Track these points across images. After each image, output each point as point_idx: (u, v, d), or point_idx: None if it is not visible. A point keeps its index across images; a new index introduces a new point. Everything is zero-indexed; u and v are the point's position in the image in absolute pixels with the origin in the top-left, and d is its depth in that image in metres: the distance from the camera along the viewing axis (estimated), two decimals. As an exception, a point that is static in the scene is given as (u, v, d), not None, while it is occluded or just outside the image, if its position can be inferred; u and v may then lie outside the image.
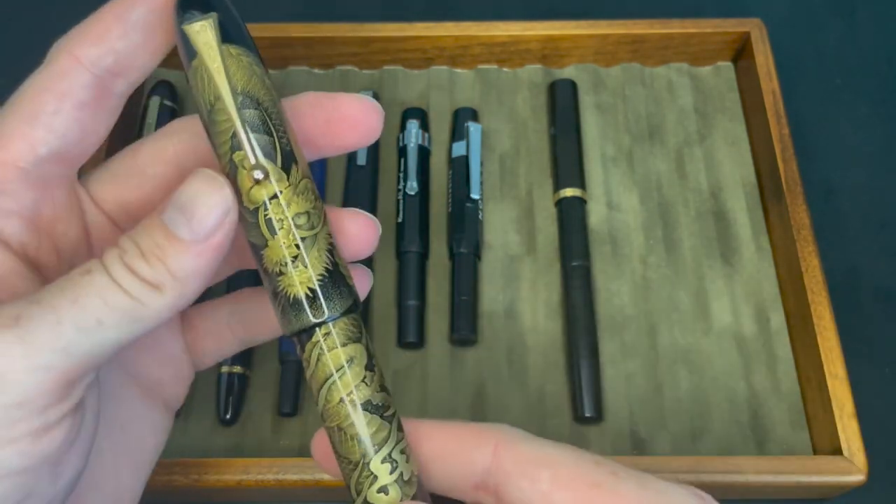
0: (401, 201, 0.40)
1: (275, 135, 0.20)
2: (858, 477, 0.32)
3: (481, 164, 0.41)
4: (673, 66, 0.45)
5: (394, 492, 0.21)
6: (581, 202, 0.40)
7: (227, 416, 0.35)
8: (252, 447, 0.35)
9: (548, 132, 0.43)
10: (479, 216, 0.40)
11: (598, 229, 0.40)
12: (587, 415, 0.35)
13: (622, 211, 0.41)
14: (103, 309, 0.19)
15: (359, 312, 0.22)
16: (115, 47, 0.21)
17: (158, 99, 0.42)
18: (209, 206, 0.19)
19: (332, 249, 0.21)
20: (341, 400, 0.20)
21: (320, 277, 0.20)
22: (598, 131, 0.43)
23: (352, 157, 0.41)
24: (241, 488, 0.32)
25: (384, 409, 0.21)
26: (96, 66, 0.21)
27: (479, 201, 0.40)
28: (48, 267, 0.22)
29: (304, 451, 0.35)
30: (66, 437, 0.19)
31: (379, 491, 0.20)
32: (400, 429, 0.21)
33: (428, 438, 0.22)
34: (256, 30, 0.43)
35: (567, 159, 0.41)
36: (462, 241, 0.39)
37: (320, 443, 0.22)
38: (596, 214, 0.41)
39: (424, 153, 0.41)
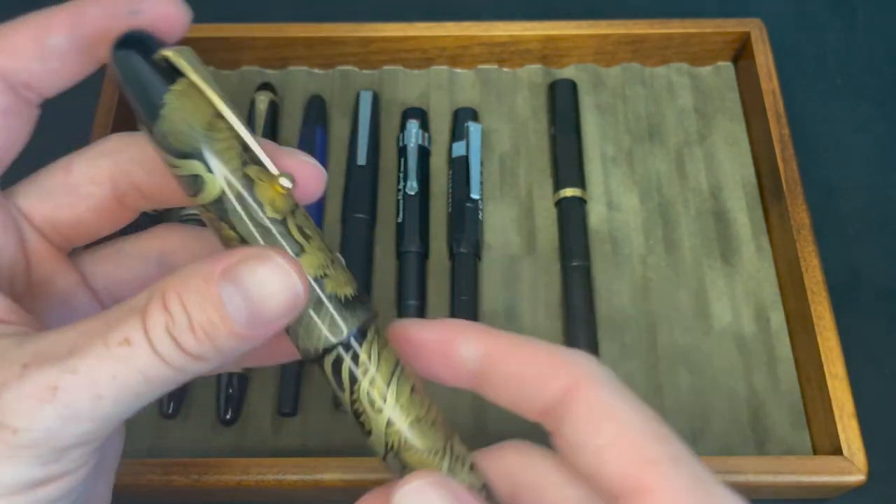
0: (401, 201, 0.40)
1: (258, 152, 0.20)
2: (858, 477, 0.32)
3: (481, 164, 0.41)
4: (673, 66, 0.45)
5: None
6: (581, 202, 0.40)
7: (227, 416, 0.35)
8: (252, 447, 0.35)
9: (548, 132, 0.43)
10: (479, 216, 0.40)
11: (598, 229, 0.40)
12: (587, 415, 0.35)
13: (622, 211, 0.41)
14: (142, 383, 0.18)
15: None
16: (29, 66, 0.21)
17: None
18: (276, 303, 0.18)
19: (335, 258, 0.21)
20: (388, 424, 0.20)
21: (355, 278, 0.20)
22: (598, 131, 0.43)
23: (352, 156, 0.41)
24: (241, 488, 0.32)
25: (432, 425, 0.21)
26: (10, 78, 0.21)
27: (479, 201, 0.40)
28: None
29: (304, 451, 0.35)
30: (90, 469, 0.19)
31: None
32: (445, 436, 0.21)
33: (507, 358, 0.21)
34: (256, 30, 0.43)
35: (567, 159, 0.41)
36: (462, 241, 0.39)
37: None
38: (596, 214, 0.41)
39: (424, 153, 0.41)
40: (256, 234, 0.20)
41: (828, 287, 0.36)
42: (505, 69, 0.45)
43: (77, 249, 0.24)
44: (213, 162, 0.19)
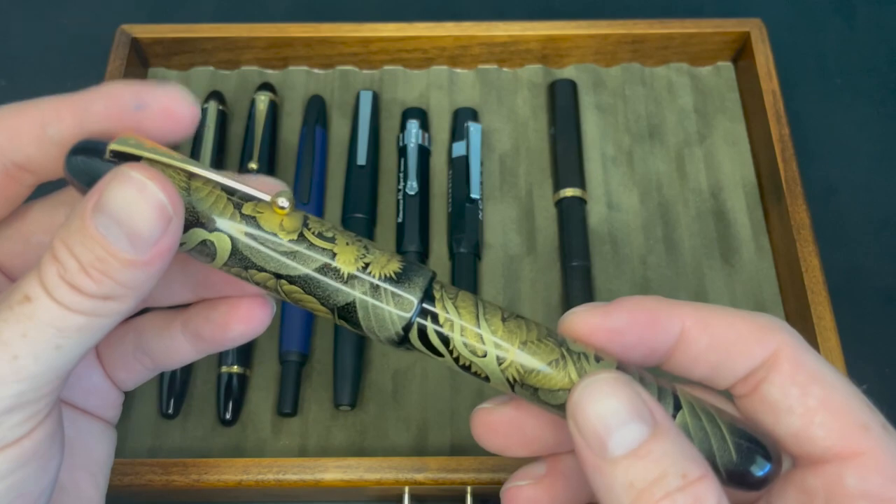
0: (401, 201, 0.40)
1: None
2: (858, 477, 0.32)
3: (481, 164, 0.41)
4: (673, 66, 0.45)
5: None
6: (581, 202, 0.40)
7: (227, 416, 0.35)
8: (252, 447, 0.35)
9: (548, 132, 0.43)
10: (479, 216, 0.40)
11: (598, 229, 0.40)
12: (587, 415, 0.35)
13: (622, 211, 0.41)
14: (59, 335, 0.18)
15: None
16: (27, 150, 0.21)
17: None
18: (148, 219, 0.18)
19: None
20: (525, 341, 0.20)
21: (400, 256, 0.20)
22: (598, 131, 0.43)
23: (352, 156, 0.41)
24: (241, 488, 0.32)
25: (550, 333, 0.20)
26: (5, 157, 0.21)
27: (479, 201, 0.40)
28: None
29: (304, 451, 0.35)
30: (48, 432, 0.19)
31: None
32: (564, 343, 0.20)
33: (706, 328, 0.21)
34: (257, 30, 0.43)
35: (567, 159, 0.41)
36: (462, 241, 0.39)
37: (483, 421, 0.22)
38: (596, 214, 0.41)
39: (424, 153, 0.41)
40: (286, 261, 0.20)
41: (828, 287, 0.36)
42: (505, 69, 0.45)
43: None
44: (210, 220, 0.19)
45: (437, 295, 0.20)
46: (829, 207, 0.43)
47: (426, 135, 0.42)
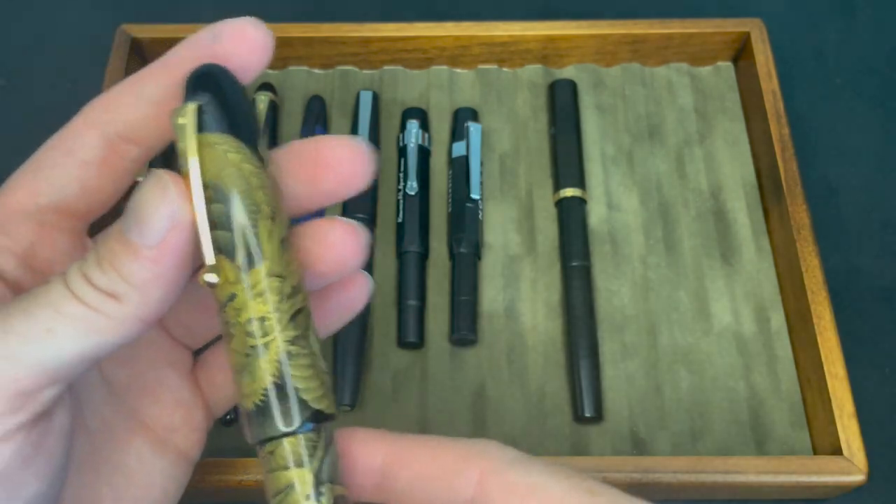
0: (401, 201, 0.40)
1: (234, 231, 0.19)
2: (858, 477, 0.32)
3: (481, 164, 0.41)
4: (673, 66, 0.45)
5: None
6: (581, 202, 0.40)
7: (227, 416, 0.35)
8: (252, 447, 0.35)
9: (548, 132, 0.43)
10: (479, 216, 0.40)
11: (598, 229, 0.40)
12: (587, 415, 0.35)
13: (622, 211, 0.41)
14: (54, 317, 0.18)
15: (319, 428, 0.20)
16: (126, 116, 0.22)
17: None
18: (156, 208, 0.19)
19: (291, 357, 0.19)
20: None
21: (264, 392, 0.19)
22: (598, 131, 0.43)
23: (352, 157, 0.41)
24: (241, 488, 0.32)
25: None
26: (106, 130, 0.22)
27: (479, 201, 0.40)
28: None
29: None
30: (17, 452, 0.19)
31: None
32: None
33: (408, 463, 0.20)
34: (256, 30, 0.43)
35: (567, 159, 0.41)
36: (462, 241, 0.39)
37: None
38: (596, 214, 0.41)
39: (424, 153, 0.41)
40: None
41: (828, 287, 0.36)
42: (505, 69, 0.45)
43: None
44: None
45: (266, 449, 0.20)
46: (829, 207, 0.43)
47: (426, 135, 0.42)
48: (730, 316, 0.38)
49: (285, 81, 0.44)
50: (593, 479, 0.19)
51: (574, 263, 0.39)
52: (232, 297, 0.19)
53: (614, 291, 0.39)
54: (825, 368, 0.34)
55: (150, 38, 0.43)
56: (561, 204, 0.40)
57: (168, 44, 0.44)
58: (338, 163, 0.22)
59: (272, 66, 0.44)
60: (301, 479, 0.19)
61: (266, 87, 0.43)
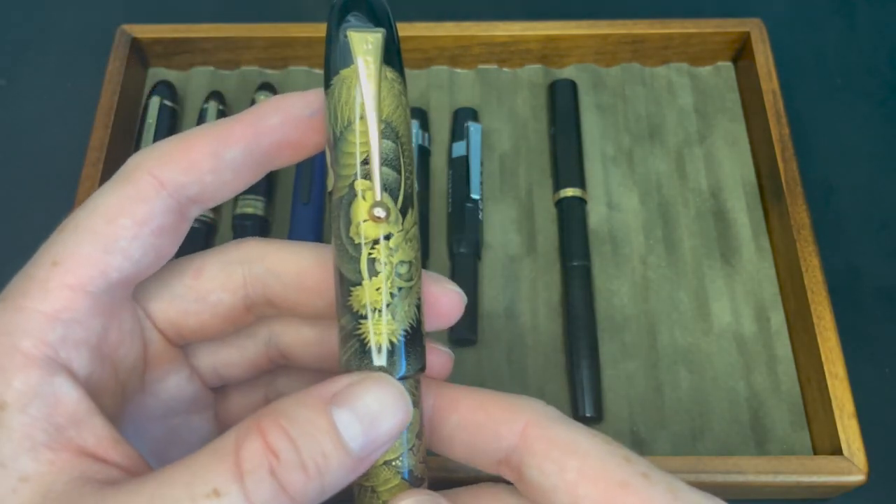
0: (401, 201, 0.40)
1: (402, 174, 0.19)
2: (858, 477, 0.32)
3: (481, 164, 0.41)
4: (673, 66, 0.45)
5: None
6: (581, 202, 0.40)
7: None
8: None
9: (548, 132, 0.43)
10: (479, 216, 0.40)
11: (598, 229, 0.40)
12: (587, 415, 0.35)
13: (622, 211, 0.41)
14: None
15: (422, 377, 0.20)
16: (204, 180, 0.20)
17: (158, 99, 0.42)
18: (392, 422, 0.18)
19: (419, 306, 0.20)
20: (386, 463, 0.19)
21: (405, 332, 0.19)
22: (598, 131, 0.43)
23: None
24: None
25: (421, 481, 0.20)
26: (179, 193, 0.20)
27: (479, 201, 0.40)
28: (107, 394, 0.20)
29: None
30: None
31: None
32: None
33: (456, 407, 0.20)
34: (257, 30, 0.43)
35: (567, 159, 0.41)
36: (462, 241, 0.39)
37: None
38: (596, 214, 0.41)
39: (424, 153, 0.41)
40: (335, 244, 0.19)
41: (828, 287, 0.36)
42: (505, 69, 0.45)
43: (148, 287, 0.23)
44: (336, 160, 0.19)
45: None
46: (829, 207, 0.43)
47: (426, 135, 0.42)
48: (730, 316, 0.38)
49: (285, 81, 0.44)
50: (627, 448, 0.20)
51: (574, 263, 0.39)
52: (388, 237, 0.19)
53: (614, 291, 0.39)
54: (825, 368, 0.34)
55: (150, 38, 0.43)
56: (561, 204, 0.40)
57: (167, 44, 0.44)
58: (439, 306, 0.21)
59: (272, 66, 0.45)
60: (415, 419, 0.20)
61: (266, 87, 0.43)
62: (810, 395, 0.36)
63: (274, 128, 0.20)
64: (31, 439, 0.17)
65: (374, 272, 0.19)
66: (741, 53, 0.44)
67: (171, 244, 0.21)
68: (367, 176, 0.19)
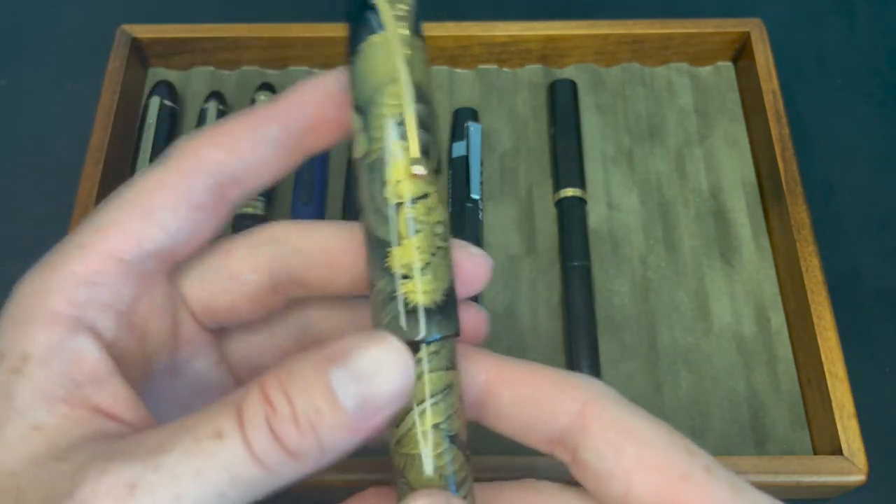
0: (401, 201, 0.40)
1: (434, 136, 0.19)
2: (858, 477, 0.32)
3: (481, 164, 0.41)
4: (673, 66, 0.45)
5: None
6: (581, 202, 0.40)
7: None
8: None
9: (548, 132, 0.43)
10: (479, 216, 0.40)
11: (598, 229, 0.40)
12: (587, 415, 0.35)
13: (622, 211, 0.41)
14: (229, 483, 0.16)
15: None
16: (244, 156, 0.21)
17: (158, 99, 0.42)
18: (390, 384, 0.17)
19: (452, 268, 0.20)
20: (435, 426, 0.19)
21: (446, 291, 0.19)
22: (598, 131, 0.43)
23: (352, 155, 0.41)
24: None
25: (466, 447, 0.19)
26: (221, 171, 0.20)
27: (479, 201, 0.40)
28: (132, 362, 0.21)
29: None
30: None
31: None
32: (472, 476, 0.20)
33: (511, 381, 0.20)
34: (256, 30, 0.43)
35: (567, 159, 0.41)
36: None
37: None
38: (596, 214, 0.41)
39: (424, 153, 0.41)
40: (368, 209, 0.19)
41: (828, 287, 0.36)
42: (505, 69, 0.45)
43: (181, 268, 0.24)
44: (368, 124, 0.19)
45: (419, 355, 0.19)
46: (829, 207, 0.43)
47: (426, 135, 0.42)
48: (730, 316, 0.38)
49: (285, 81, 0.44)
50: (689, 441, 0.19)
51: (574, 263, 0.39)
52: (425, 196, 0.19)
53: (614, 291, 0.39)
54: (825, 368, 0.34)
55: (150, 38, 0.43)
56: (561, 204, 0.40)
57: (167, 44, 0.44)
58: (464, 272, 0.21)
59: (272, 66, 0.45)
60: (455, 382, 0.19)
61: (266, 87, 0.43)
62: (810, 395, 0.36)
63: (308, 104, 0.21)
64: (48, 392, 0.17)
65: (412, 232, 0.19)
66: (741, 53, 0.44)
67: (209, 224, 0.21)
68: (403, 136, 0.19)
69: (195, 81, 0.44)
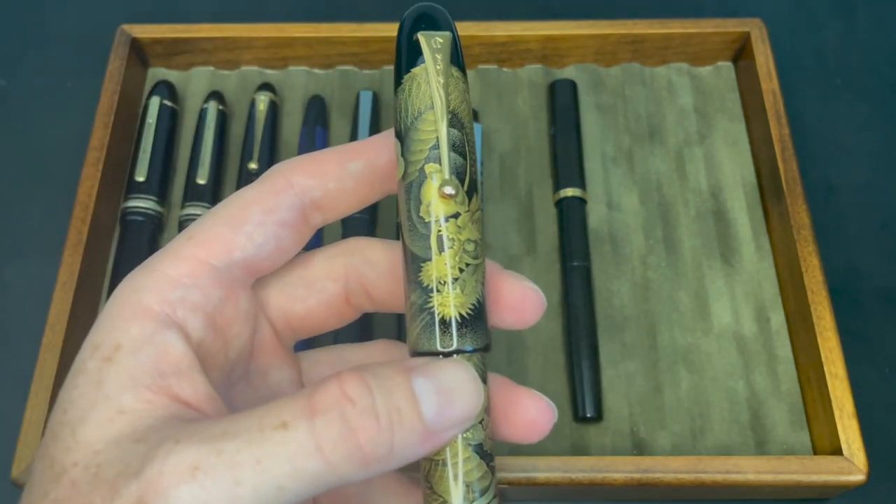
0: (401, 201, 0.40)
1: (468, 160, 0.20)
2: (858, 477, 0.32)
3: (481, 164, 0.41)
4: (673, 66, 0.45)
5: None
6: (581, 202, 0.40)
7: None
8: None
9: (548, 132, 0.43)
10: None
11: (598, 229, 0.40)
12: (587, 415, 0.35)
13: (622, 211, 0.41)
14: (289, 475, 0.16)
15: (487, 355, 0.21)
16: (327, 185, 0.22)
17: (158, 99, 0.42)
18: (466, 403, 0.19)
19: (484, 284, 0.21)
20: (462, 436, 0.20)
21: (473, 306, 0.20)
22: (598, 131, 0.43)
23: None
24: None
25: (490, 458, 0.20)
26: (305, 194, 0.22)
27: (480, 201, 0.40)
28: (215, 364, 0.22)
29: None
30: None
31: None
32: (496, 485, 0.21)
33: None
34: (257, 30, 0.43)
35: (567, 159, 0.41)
36: (462, 241, 0.39)
37: None
38: (596, 214, 0.41)
39: (424, 153, 0.41)
40: (405, 226, 0.21)
41: (828, 287, 0.36)
42: (505, 69, 0.45)
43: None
44: (406, 148, 0.20)
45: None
46: (829, 207, 0.43)
47: (426, 135, 0.42)
48: (730, 316, 0.38)
49: (285, 81, 0.44)
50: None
51: (574, 263, 0.39)
52: (456, 215, 0.20)
53: (614, 291, 0.39)
54: (825, 368, 0.34)
55: (150, 38, 0.43)
56: (561, 204, 0.40)
57: (167, 44, 0.44)
58: (519, 305, 0.23)
59: (272, 66, 0.45)
60: (485, 394, 0.20)
61: (266, 87, 0.43)
62: (810, 395, 0.36)
63: (391, 145, 0.22)
64: (135, 380, 0.19)
65: (443, 248, 0.20)
66: (741, 53, 0.44)
67: (292, 241, 0.22)
68: (436, 160, 0.20)
69: (195, 81, 0.44)
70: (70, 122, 0.44)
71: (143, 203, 0.39)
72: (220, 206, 0.22)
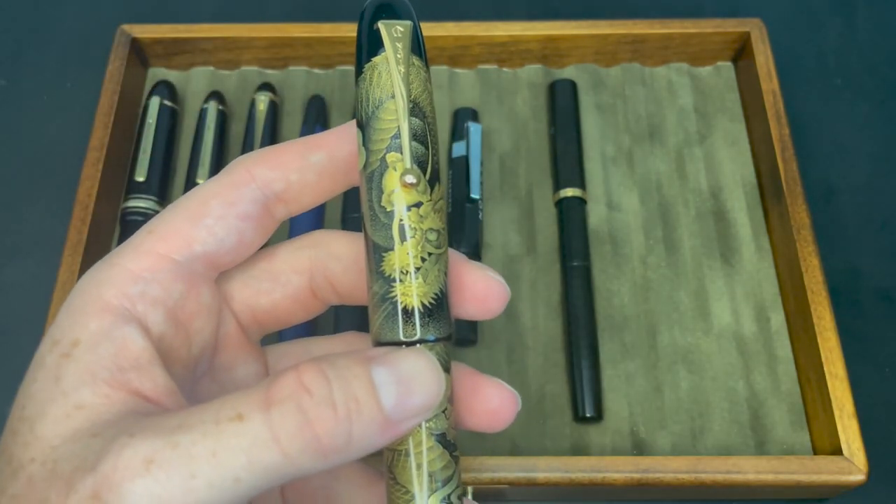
0: (401, 201, 0.40)
1: (430, 150, 0.20)
2: (858, 477, 0.32)
3: (481, 164, 0.41)
4: (673, 66, 0.45)
5: None
6: (581, 202, 0.40)
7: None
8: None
9: (548, 132, 0.43)
10: (479, 216, 0.40)
11: (598, 229, 0.40)
12: (587, 415, 0.35)
13: (622, 211, 0.41)
14: (245, 467, 0.16)
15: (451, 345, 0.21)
16: (289, 178, 0.22)
17: (158, 99, 0.42)
18: (426, 392, 0.18)
19: (446, 274, 0.21)
20: (419, 425, 0.20)
21: (436, 296, 0.20)
22: (598, 131, 0.43)
23: (352, 157, 0.41)
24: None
25: (453, 447, 0.20)
26: (267, 187, 0.22)
27: (479, 201, 0.40)
28: (177, 359, 0.22)
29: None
30: None
31: None
32: (460, 475, 0.21)
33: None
34: (256, 30, 0.43)
35: (567, 159, 0.41)
36: (462, 241, 0.39)
37: None
38: (596, 214, 0.41)
39: (424, 153, 0.41)
40: (367, 216, 0.20)
41: (828, 287, 0.36)
42: (505, 69, 0.45)
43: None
44: (367, 137, 0.20)
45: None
46: (829, 207, 0.43)
47: (426, 135, 0.42)
48: (730, 316, 0.38)
49: (285, 81, 0.44)
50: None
51: (574, 263, 0.39)
52: (418, 205, 0.20)
53: (614, 291, 0.39)
54: (825, 368, 0.34)
55: (150, 38, 0.43)
56: (561, 204, 0.40)
57: (167, 44, 0.44)
58: (482, 295, 0.22)
59: (272, 65, 0.45)
60: (447, 383, 0.20)
61: (266, 87, 0.43)
62: (810, 395, 0.36)
63: (353, 137, 0.22)
64: (93, 375, 0.18)
65: (405, 237, 0.20)
66: (741, 53, 0.44)
67: (255, 234, 0.22)
68: (398, 149, 0.20)
69: (195, 81, 0.44)
70: (70, 123, 0.44)
71: (143, 203, 0.39)
72: (181, 200, 0.22)
